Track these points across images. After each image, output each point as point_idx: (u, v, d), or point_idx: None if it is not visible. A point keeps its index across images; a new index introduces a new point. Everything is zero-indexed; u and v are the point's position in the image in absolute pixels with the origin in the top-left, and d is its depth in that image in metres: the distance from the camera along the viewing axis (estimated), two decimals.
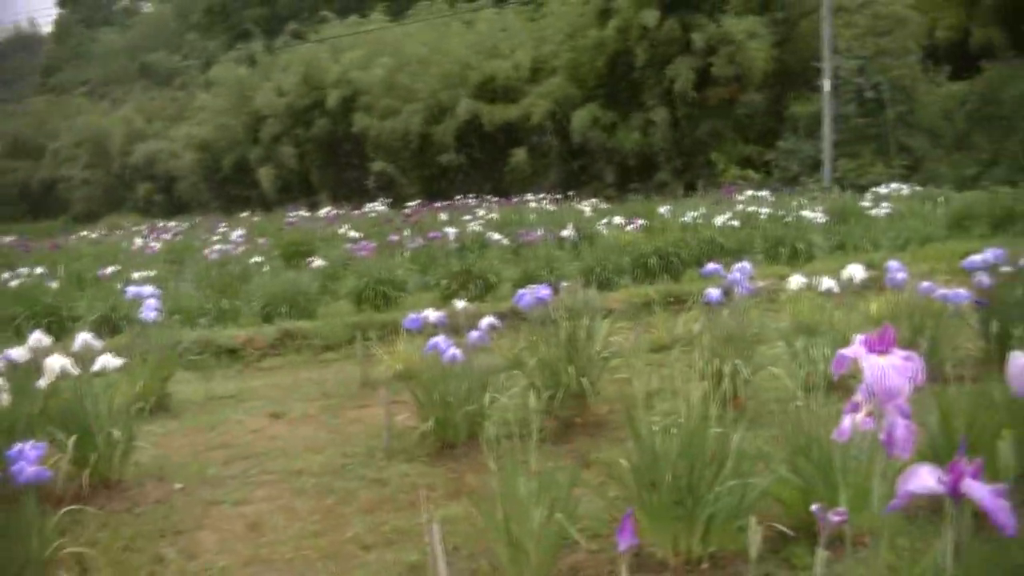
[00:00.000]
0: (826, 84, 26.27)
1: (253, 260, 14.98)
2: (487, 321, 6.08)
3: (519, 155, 32.60)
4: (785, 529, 4.11)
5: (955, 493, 1.62)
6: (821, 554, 1.94)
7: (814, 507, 2.08)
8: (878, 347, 1.78)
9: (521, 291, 6.34)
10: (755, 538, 2.01)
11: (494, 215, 20.66)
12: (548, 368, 6.26)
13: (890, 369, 1.75)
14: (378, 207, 26.24)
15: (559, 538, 4.05)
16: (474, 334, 5.91)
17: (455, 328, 6.54)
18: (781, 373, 6.29)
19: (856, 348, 1.82)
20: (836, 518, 1.99)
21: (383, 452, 6.07)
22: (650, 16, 29.04)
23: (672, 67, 29.43)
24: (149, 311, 7.70)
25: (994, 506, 1.56)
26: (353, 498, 5.35)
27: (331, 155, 38.57)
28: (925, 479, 1.63)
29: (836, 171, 26.70)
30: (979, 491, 1.58)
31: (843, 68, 27.59)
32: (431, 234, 15.76)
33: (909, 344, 6.77)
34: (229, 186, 42.06)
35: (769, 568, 4.07)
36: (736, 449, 4.09)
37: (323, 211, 26.75)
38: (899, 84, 27.58)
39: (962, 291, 6.70)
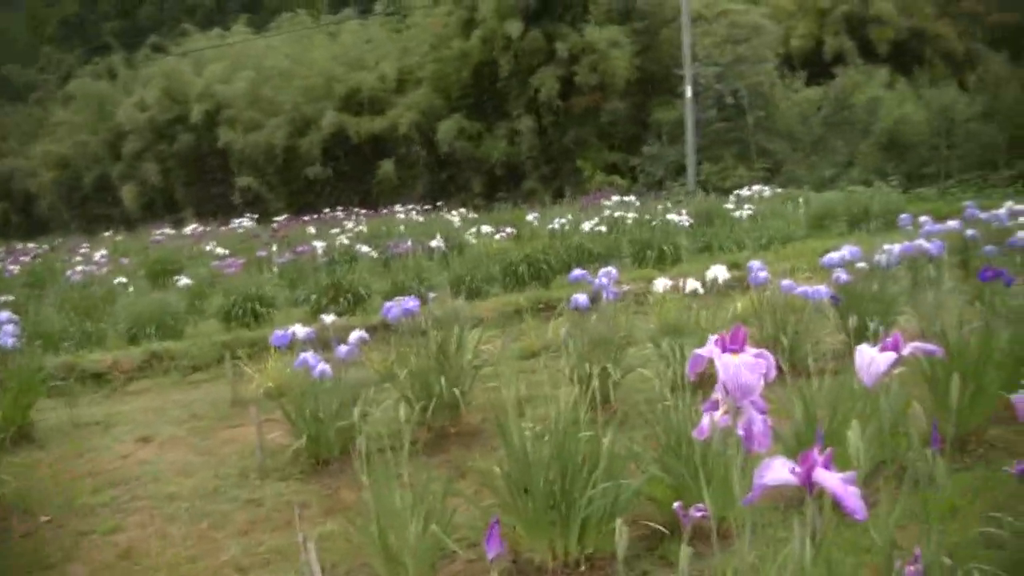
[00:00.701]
0: (687, 91, 26.82)
1: (117, 281, 14.57)
2: (356, 335, 6.05)
3: (386, 167, 32.46)
4: (659, 527, 4.20)
5: (808, 483, 1.68)
6: (685, 550, 2.00)
7: (675, 505, 2.14)
8: (731, 346, 1.85)
9: (388, 303, 6.33)
10: (622, 540, 2.06)
11: (363, 227, 20.56)
12: (419, 379, 6.27)
13: (743, 367, 1.82)
14: (245, 223, 25.79)
15: (436, 549, 4.07)
16: (343, 348, 5.88)
17: (325, 343, 6.50)
18: (650, 374, 6.41)
19: (710, 348, 1.89)
20: (697, 514, 2.06)
21: (256, 472, 5.99)
22: (514, 27, 29.27)
23: (537, 76, 29.73)
24: (6, 337, 7.44)
25: (844, 493, 1.63)
26: (228, 520, 5.27)
27: (196, 171, 37.69)
28: (779, 472, 1.70)
29: (700, 175, 27.30)
30: (830, 480, 1.65)
31: (703, 75, 28.23)
32: (299, 248, 15.60)
33: (773, 340, 7.03)
34: (90, 205, 40.65)
35: (645, 566, 4.16)
36: (607, 451, 4.16)
37: (189, 228, 26.21)
38: (757, 90, 28.36)
39: (822, 288, 6.93)
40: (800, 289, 6.93)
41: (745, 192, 21.75)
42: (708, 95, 28.32)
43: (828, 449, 1.78)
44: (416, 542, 3.90)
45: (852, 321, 6.51)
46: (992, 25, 34.96)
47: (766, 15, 31.70)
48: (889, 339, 2.01)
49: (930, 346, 2.14)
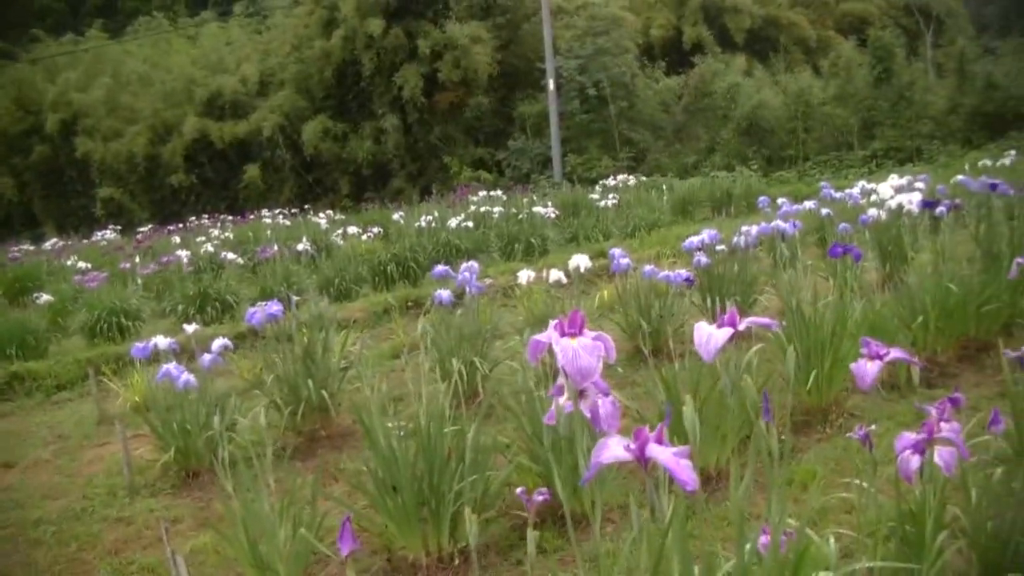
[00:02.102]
0: (550, 84, 27.07)
1: None
2: (219, 343, 5.94)
3: (252, 171, 31.96)
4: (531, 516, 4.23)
5: (642, 458, 1.71)
6: (532, 534, 2.02)
7: (518, 491, 2.16)
8: (569, 330, 1.87)
9: (252, 309, 6.23)
10: (473, 529, 2.07)
11: (229, 234, 20.21)
12: (287, 384, 6.20)
13: (581, 350, 1.84)
14: (108, 235, 25.09)
15: (308, 553, 4.02)
16: (206, 357, 5.77)
17: (190, 353, 6.37)
18: (518, 365, 6.45)
19: (549, 332, 1.90)
20: (539, 498, 2.08)
21: (125, 489, 5.82)
22: (375, 25, 29.10)
23: (400, 74, 29.63)
24: None
25: (675, 466, 1.65)
26: (97, 541, 5.11)
27: (54, 183, 36.44)
28: (614, 449, 1.72)
29: (566, 167, 27.60)
30: (662, 454, 1.68)
31: (565, 68, 28.52)
32: (164, 259, 15.24)
33: (636, 325, 7.15)
34: None
35: (519, 555, 4.20)
36: (472, 444, 4.17)
37: (49, 243, 25.34)
38: (619, 81, 28.75)
39: (682, 272, 7.07)
40: (662, 274, 7.07)
41: (610, 182, 22.06)
42: (571, 87, 28.61)
43: (659, 424, 1.81)
44: (286, 548, 3.86)
45: (710, 302, 6.71)
46: (842, 13, 36.23)
47: (625, 7, 32.25)
48: (726, 315, 2.06)
49: (765, 320, 2.20)
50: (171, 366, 5.55)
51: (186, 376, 5.47)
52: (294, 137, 31.52)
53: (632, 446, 1.70)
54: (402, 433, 4.15)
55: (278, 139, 31.81)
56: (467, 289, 6.82)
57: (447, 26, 29.43)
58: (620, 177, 22.73)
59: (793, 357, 2.34)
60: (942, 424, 2.73)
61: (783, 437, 5.14)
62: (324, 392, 6.15)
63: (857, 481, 3.59)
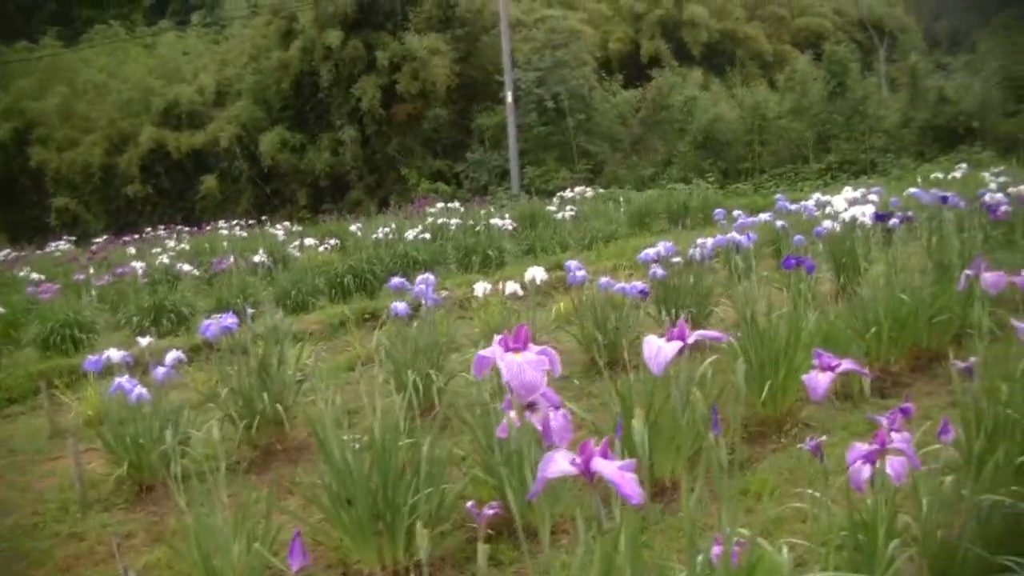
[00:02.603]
0: (508, 96, 27.13)
1: None
2: (172, 355, 5.89)
3: (209, 182, 31.74)
4: (487, 529, 4.22)
5: (587, 472, 1.71)
6: (482, 547, 2.01)
7: (468, 504, 2.15)
8: (513, 345, 1.87)
9: (207, 322, 6.18)
10: (425, 543, 2.06)
11: (185, 245, 20.04)
12: (242, 397, 6.14)
13: (525, 365, 1.83)
14: (62, 245, 24.76)
15: (262, 568, 3.98)
16: (160, 370, 5.71)
17: (144, 366, 6.30)
18: (473, 378, 6.44)
19: (493, 348, 1.90)
20: (489, 512, 2.07)
21: (77, 504, 5.73)
22: (333, 36, 29.04)
23: (358, 86, 29.56)
24: None
25: (620, 480, 1.65)
26: (48, 558, 5.02)
27: (7, 193, 35.84)
28: (560, 464, 1.72)
29: (523, 179, 27.64)
30: (607, 468, 1.68)
31: (523, 80, 28.58)
32: (119, 270, 15.07)
33: (592, 337, 7.16)
34: None
35: (475, 568, 4.17)
36: (428, 457, 4.16)
37: (1, 253, 24.99)
38: (577, 93, 28.84)
39: (638, 284, 7.10)
40: (618, 286, 7.10)
41: (568, 194, 22.12)
42: (529, 100, 28.68)
43: (604, 439, 1.81)
44: (240, 563, 3.82)
45: (665, 314, 6.74)
46: (797, 28, 36.61)
47: (584, 20, 32.41)
48: (675, 329, 2.07)
49: (714, 333, 2.21)
50: (124, 379, 5.49)
51: (139, 389, 5.41)
52: (252, 148, 31.35)
53: (577, 460, 1.70)
54: (357, 446, 4.12)
55: (235, 150, 31.62)
56: (423, 301, 6.81)
57: (406, 38, 29.41)
58: (577, 189, 22.80)
59: (743, 369, 2.35)
60: (893, 434, 2.76)
61: (734, 449, 5.21)
62: (279, 405, 6.10)
63: (810, 491, 3.63)
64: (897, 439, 2.71)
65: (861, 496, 2.88)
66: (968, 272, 4.18)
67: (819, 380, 2.61)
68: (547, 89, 28.52)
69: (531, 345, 1.89)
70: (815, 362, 2.67)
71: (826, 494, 3.51)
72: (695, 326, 7.25)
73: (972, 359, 3.46)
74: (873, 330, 6.29)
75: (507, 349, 1.87)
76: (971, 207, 9.53)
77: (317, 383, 4.89)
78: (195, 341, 9.24)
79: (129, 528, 5.30)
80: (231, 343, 6.36)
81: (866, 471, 2.68)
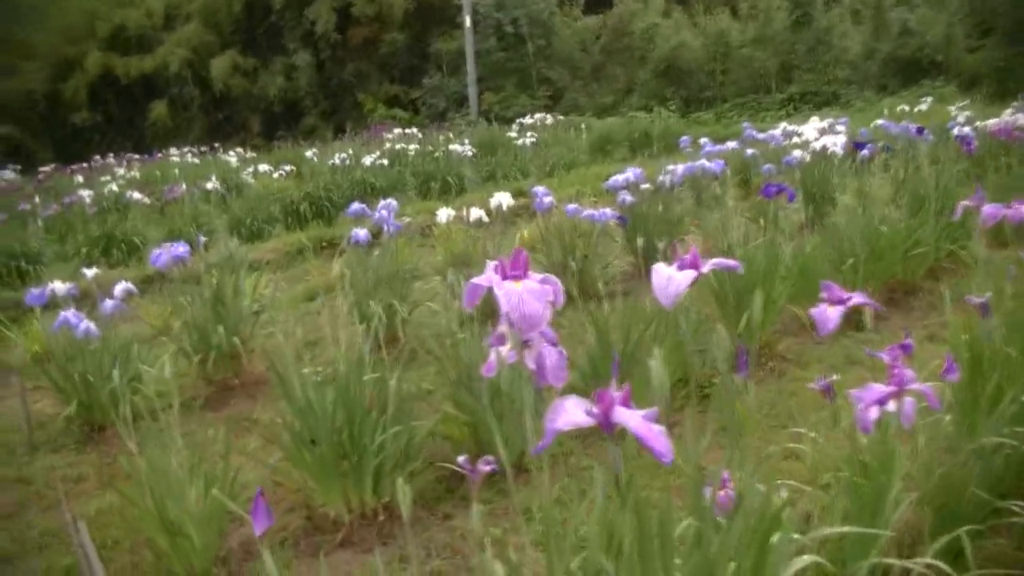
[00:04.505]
0: (466, 20, 26.64)
1: None
2: (121, 287, 5.59)
3: (159, 108, 31.07)
4: (458, 467, 4.01)
5: (607, 424, 1.48)
6: (476, 508, 1.80)
7: (460, 459, 1.93)
8: (512, 273, 1.62)
9: (157, 251, 5.87)
10: (406, 499, 1.84)
11: (136, 173, 19.48)
12: (196, 330, 5.86)
13: (526, 295, 1.59)
14: (6, 174, 24.03)
15: (222, 514, 3.72)
16: (108, 303, 5.42)
17: (93, 299, 5.99)
18: (438, 307, 6.22)
19: (488, 276, 1.65)
20: (486, 468, 1.85)
21: (25, 446, 5.45)
22: None
23: (312, 8, 28.91)
24: None
25: (648, 434, 1.42)
26: None
27: None
28: (573, 414, 1.48)
29: (482, 105, 27.29)
30: (632, 419, 1.45)
31: (482, 4, 28.09)
32: (66, 199, 14.57)
33: (562, 265, 6.94)
34: None
35: (447, 508, 3.99)
36: (395, 392, 3.91)
37: None
38: (537, 19, 28.42)
39: (607, 211, 6.89)
40: (587, 212, 6.87)
41: (528, 120, 21.87)
42: (488, 24, 28.23)
43: (626, 384, 1.57)
44: (197, 509, 3.56)
45: (638, 242, 6.53)
46: None
47: None
48: (687, 256, 1.84)
49: (730, 262, 1.98)
50: (69, 313, 5.21)
51: (86, 324, 5.13)
52: (202, 73, 30.68)
53: (594, 410, 1.46)
54: (319, 379, 3.87)
55: (186, 75, 30.93)
56: (385, 228, 6.53)
57: None
58: (537, 116, 22.50)
59: (760, 300, 2.13)
60: (895, 372, 2.57)
61: (711, 382, 5.05)
62: (236, 338, 5.82)
63: (800, 429, 3.46)
64: (907, 378, 2.51)
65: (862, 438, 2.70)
66: (964, 203, 3.99)
67: (828, 314, 2.40)
68: (506, 14, 28.06)
69: (531, 272, 1.64)
70: (823, 295, 2.46)
71: (820, 433, 3.35)
72: (666, 255, 7.09)
73: (987, 294, 3.26)
74: (850, 261, 6.11)
75: (505, 277, 1.62)
76: (940, 140, 9.40)
77: (275, 314, 4.63)
78: (147, 272, 8.95)
79: (79, 471, 5.03)
80: (184, 273, 6.07)
81: (875, 411, 2.48)
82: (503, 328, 1.86)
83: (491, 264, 1.67)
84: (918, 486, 2.90)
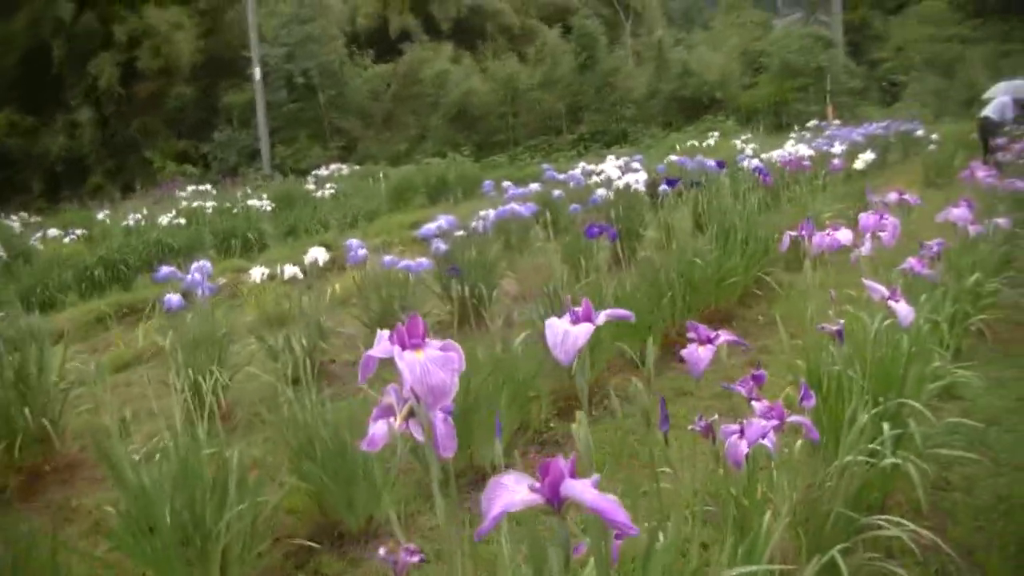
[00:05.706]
0: (256, 72, 26.31)
1: None
2: None
3: None
4: (307, 541, 3.81)
5: (556, 500, 1.32)
6: None
7: (380, 551, 1.76)
8: (411, 341, 1.49)
9: None
10: None
11: None
12: None
13: (431, 365, 1.46)
14: None
15: None
16: None
17: None
18: (258, 371, 5.97)
19: (384, 345, 1.52)
20: (414, 559, 1.70)
21: None
22: (64, 8, 27.30)
23: (94, 63, 27.94)
24: None
25: (608, 507, 1.27)
26: None
27: None
28: (516, 492, 1.31)
29: (275, 158, 27.02)
30: (586, 492, 1.29)
31: (272, 56, 27.84)
32: None
33: (381, 317, 6.79)
34: None
35: None
36: (237, 466, 3.64)
37: None
38: (328, 69, 28.36)
39: (424, 260, 6.81)
40: (403, 263, 6.76)
41: (323, 172, 21.77)
42: (278, 76, 28.00)
43: (572, 454, 1.45)
44: None
45: (456, 289, 6.46)
46: (545, 2, 37.18)
47: None
48: (579, 309, 1.76)
49: (621, 311, 1.93)
50: None
51: None
52: None
53: (537, 486, 1.31)
54: (140, 460, 3.56)
55: None
56: (199, 291, 6.21)
57: (145, 12, 28.01)
58: (333, 167, 22.40)
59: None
60: (754, 404, 2.57)
61: (547, 425, 5.02)
62: (44, 420, 5.36)
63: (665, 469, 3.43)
64: (759, 408, 2.51)
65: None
66: (790, 233, 4.09)
67: (700, 355, 2.38)
68: (297, 64, 27.89)
69: (429, 339, 1.52)
70: (691, 335, 2.44)
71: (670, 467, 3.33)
72: (480, 302, 7.02)
73: (840, 322, 3.34)
74: (669, 295, 6.22)
75: (404, 346, 1.49)
76: (732, 172, 9.78)
77: (89, 389, 4.27)
78: None
79: None
80: None
81: (744, 445, 2.46)
82: (389, 399, 1.72)
83: (383, 334, 1.54)
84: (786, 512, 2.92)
